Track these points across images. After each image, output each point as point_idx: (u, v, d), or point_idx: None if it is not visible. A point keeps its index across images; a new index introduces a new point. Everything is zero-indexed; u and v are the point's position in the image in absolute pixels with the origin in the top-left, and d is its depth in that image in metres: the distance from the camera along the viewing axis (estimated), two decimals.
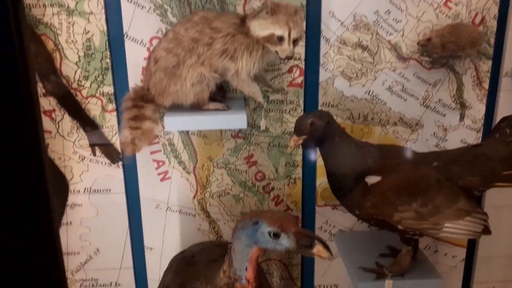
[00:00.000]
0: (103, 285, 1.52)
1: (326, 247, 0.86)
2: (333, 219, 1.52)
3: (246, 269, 0.90)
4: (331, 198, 1.49)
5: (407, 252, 1.23)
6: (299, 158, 1.44)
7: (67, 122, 1.35)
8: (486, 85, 1.35)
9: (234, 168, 1.44)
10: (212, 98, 1.21)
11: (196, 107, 1.17)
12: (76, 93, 1.32)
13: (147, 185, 1.43)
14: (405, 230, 1.14)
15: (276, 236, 0.86)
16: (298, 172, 1.46)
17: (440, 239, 1.52)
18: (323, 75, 1.33)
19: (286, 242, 0.86)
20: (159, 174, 1.43)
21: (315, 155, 1.43)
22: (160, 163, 1.43)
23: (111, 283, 1.52)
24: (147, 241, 1.48)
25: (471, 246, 1.55)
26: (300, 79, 1.33)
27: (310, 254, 0.86)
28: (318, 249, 0.85)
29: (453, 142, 1.40)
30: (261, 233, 0.87)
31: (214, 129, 1.36)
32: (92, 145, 1.37)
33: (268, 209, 1.49)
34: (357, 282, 1.25)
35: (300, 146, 1.42)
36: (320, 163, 1.43)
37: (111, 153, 1.38)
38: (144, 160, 1.41)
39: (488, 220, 1.16)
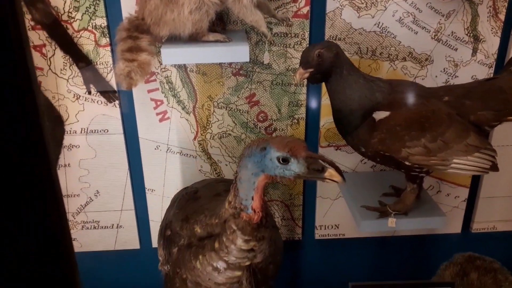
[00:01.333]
0: (105, 227, 1.51)
1: (338, 171, 0.83)
2: (336, 160, 1.48)
3: (253, 198, 0.88)
4: (335, 139, 1.46)
5: (412, 190, 1.21)
6: (303, 97, 1.39)
7: (59, 58, 1.28)
8: (502, 16, 1.27)
9: (235, 108, 1.39)
10: (212, 29, 1.14)
11: (195, 39, 1.10)
12: (67, 26, 1.24)
13: (145, 125, 1.39)
14: (411, 167, 1.11)
15: (285, 161, 0.83)
16: (302, 112, 1.41)
17: (443, 180, 1.51)
18: (330, 5, 1.24)
19: (296, 167, 0.83)
20: (157, 114, 1.38)
21: (320, 93, 1.38)
22: (158, 103, 1.37)
23: (113, 225, 1.51)
24: (148, 183, 1.46)
25: (474, 187, 1.54)
26: (306, 9, 1.25)
27: (322, 179, 0.83)
28: (330, 172, 0.82)
29: (464, 78, 1.34)
30: (269, 159, 0.83)
31: (214, 64, 1.29)
32: (86, 82, 1.30)
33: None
34: (360, 221, 1.25)
35: (305, 83, 1.37)
36: (324, 102, 1.39)
37: (107, 91, 1.32)
38: (141, 99, 1.36)
39: (496, 158, 1.14)
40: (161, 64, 1.30)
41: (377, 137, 1.08)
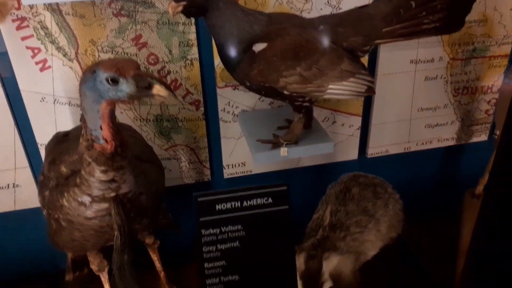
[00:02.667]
0: (0, 188, 1.44)
1: (166, 86, 0.83)
2: (235, 100, 1.51)
3: (101, 128, 0.87)
4: (231, 78, 1.46)
5: (299, 120, 1.27)
6: (193, 36, 1.36)
7: None
8: None
9: (122, 52, 1.33)
10: None
11: None
12: None
13: (25, 76, 1.30)
14: (292, 96, 1.15)
15: (114, 82, 0.82)
16: (194, 52, 1.39)
17: (337, 111, 1.59)
18: None
19: (125, 87, 0.82)
20: (36, 63, 1.29)
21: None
22: (36, 51, 1.28)
23: (8, 185, 1.44)
24: (39, 137, 1.39)
25: (366, 115, 1.64)
26: None
27: (151, 96, 0.83)
28: (157, 88, 0.82)
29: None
30: (99, 82, 0.82)
31: (89, 4, 1.21)
32: None
33: None
34: (254, 153, 1.29)
35: (193, 21, 1.33)
36: None
37: None
38: (15, 47, 1.25)
39: (372, 82, 1.21)
40: (30, 7, 1.19)
41: (256, 69, 1.10)
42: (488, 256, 1.19)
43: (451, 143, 1.79)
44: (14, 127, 1.36)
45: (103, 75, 0.81)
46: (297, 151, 1.31)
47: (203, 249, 0.72)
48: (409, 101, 1.65)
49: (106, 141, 0.87)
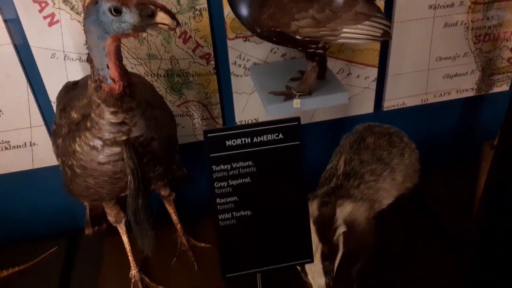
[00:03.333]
0: (17, 147, 1.47)
1: (170, 14, 0.81)
2: (246, 52, 1.47)
3: (108, 66, 0.86)
4: (242, 29, 1.42)
5: (312, 68, 1.24)
6: None
7: None
8: None
9: None
10: None
11: None
12: None
13: (34, 32, 1.28)
14: (304, 41, 1.11)
15: (117, 11, 0.80)
16: (203, 1, 1.35)
17: (352, 62, 1.55)
18: None
19: (129, 17, 0.80)
20: (44, 18, 1.28)
21: None
22: (43, 4, 1.26)
23: (25, 143, 1.47)
24: (52, 95, 1.39)
25: (382, 66, 1.59)
26: None
27: (155, 25, 0.81)
28: (161, 16, 0.80)
29: None
30: (102, 13, 0.80)
31: None
32: None
33: (176, 47, 1.41)
34: (267, 105, 1.27)
35: None
36: None
37: None
38: (22, 2, 1.23)
39: (389, 26, 1.16)
40: None
41: (267, 13, 1.06)
42: (501, 205, 1.17)
43: (471, 94, 1.73)
44: (27, 85, 1.37)
45: (105, 5, 0.79)
46: (311, 103, 1.29)
47: (215, 184, 0.72)
48: (427, 50, 1.58)
49: (113, 81, 0.86)
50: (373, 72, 1.59)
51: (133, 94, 0.89)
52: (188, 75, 1.47)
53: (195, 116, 1.56)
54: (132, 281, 1.29)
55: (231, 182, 0.71)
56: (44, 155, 1.50)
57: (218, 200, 0.72)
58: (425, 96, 1.69)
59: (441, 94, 1.70)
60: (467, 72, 1.67)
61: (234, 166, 0.70)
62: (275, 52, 1.49)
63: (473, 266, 1.33)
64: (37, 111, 1.42)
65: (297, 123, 0.73)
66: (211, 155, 0.69)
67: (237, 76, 1.50)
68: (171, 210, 1.38)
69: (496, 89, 1.74)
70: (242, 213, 0.73)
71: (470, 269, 1.33)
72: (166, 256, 1.40)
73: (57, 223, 1.67)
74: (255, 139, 0.70)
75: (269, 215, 0.75)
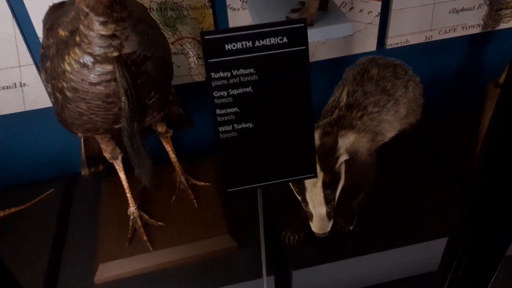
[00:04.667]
0: (7, 87, 1.41)
1: None
2: None
3: None
4: None
5: None
6: None
7: None
8: None
9: None
10: None
11: None
12: None
13: None
14: None
15: None
16: None
17: None
18: None
19: None
20: None
21: None
22: None
23: (15, 83, 1.41)
24: (41, 32, 1.32)
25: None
26: None
27: None
28: None
29: None
30: None
31: None
32: None
33: None
34: None
35: None
36: None
37: None
38: None
39: None
40: None
41: None
42: (505, 143, 1.14)
43: (477, 30, 1.66)
44: (13, 20, 1.29)
45: None
46: (312, 34, 1.22)
47: (214, 94, 0.68)
48: None
49: None
50: (377, 6, 1.51)
51: (124, 2, 0.83)
52: (182, 8, 1.39)
53: (191, 55, 1.50)
54: (131, 218, 1.27)
55: (231, 92, 0.67)
56: (35, 96, 1.45)
57: (218, 111, 0.68)
58: (430, 33, 1.63)
59: (446, 31, 1.63)
60: (474, 6, 1.59)
61: (234, 73, 0.66)
62: None
63: (476, 203, 1.32)
64: (25, 49, 1.35)
65: (303, 24, 0.68)
66: (209, 61, 0.65)
67: (234, 9, 1.43)
68: (168, 148, 1.35)
69: (503, 25, 1.67)
70: (244, 125, 0.69)
71: (472, 203, 1.33)
72: (165, 195, 1.39)
73: (52, 167, 1.64)
74: (256, 43, 0.65)
75: (272, 128, 0.72)
